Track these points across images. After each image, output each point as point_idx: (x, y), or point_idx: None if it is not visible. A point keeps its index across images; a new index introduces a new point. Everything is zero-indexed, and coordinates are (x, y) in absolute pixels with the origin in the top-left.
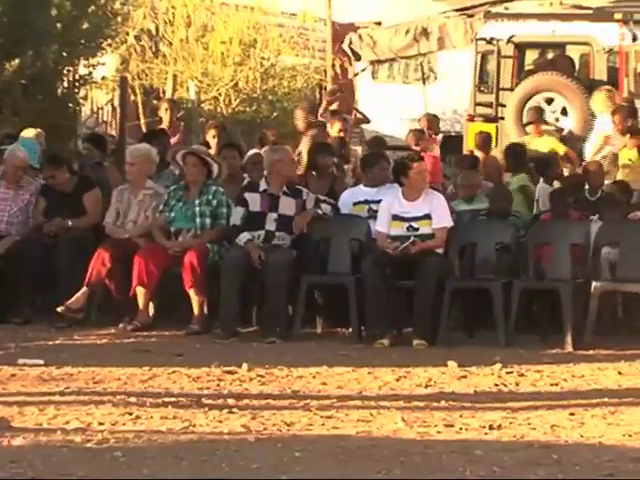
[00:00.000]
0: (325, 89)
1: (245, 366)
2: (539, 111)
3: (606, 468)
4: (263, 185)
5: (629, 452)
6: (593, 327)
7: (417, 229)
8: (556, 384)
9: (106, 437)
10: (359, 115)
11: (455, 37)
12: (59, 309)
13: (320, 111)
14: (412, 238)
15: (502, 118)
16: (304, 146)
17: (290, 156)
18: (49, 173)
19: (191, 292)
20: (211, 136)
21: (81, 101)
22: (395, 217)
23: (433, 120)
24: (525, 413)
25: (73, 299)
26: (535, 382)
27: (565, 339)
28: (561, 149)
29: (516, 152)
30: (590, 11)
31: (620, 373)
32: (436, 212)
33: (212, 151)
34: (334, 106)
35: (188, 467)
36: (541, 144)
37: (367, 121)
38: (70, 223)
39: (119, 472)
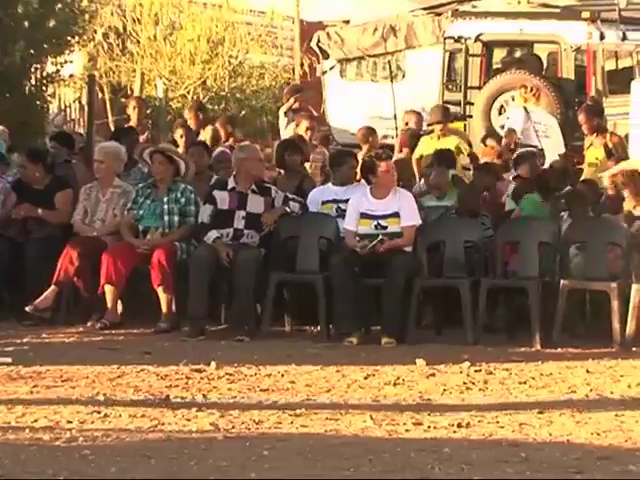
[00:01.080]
0: (286, 83)
1: (213, 364)
2: (444, 110)
3: (574, 466)
4: (231, 183)
5: (596, 450)
6: (561, 325)
7: (385, 227)
8: (524, 382)
9: (74, 435)
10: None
11: (423, 35)
12: (27, 308)
13: (284, 109)
14: (380, 237)
15: (470, 116)
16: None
17: (258, 154)
18: (24, 164)
19: (159, 290)
20: (179, 135)
21: (49, 99)
22: (363, 215)
23: (418, 117)
24: (493, 411)
25: (41, 298)
26: (503, 380)
27: (533, 337)
28: (466, 148)
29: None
30: (558, 10)
31: (588, 371)
32: (404, 210)
33: (180, 149)
34: (297, 104)
35: (157, 466)
36: (446, 144)
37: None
38: (40, 212)
39: (87, 471)
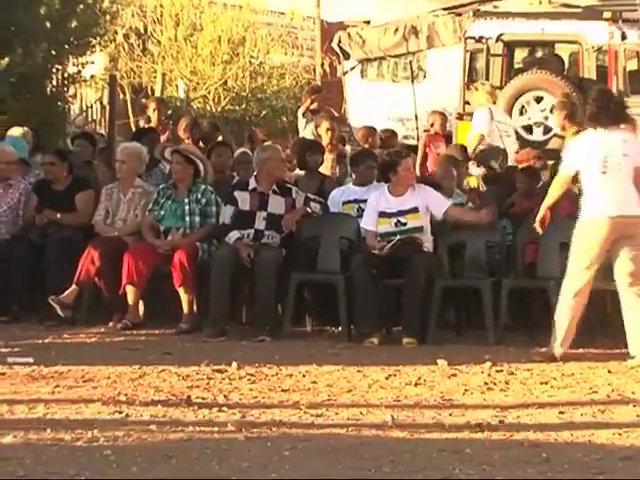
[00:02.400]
0: (307, 84)
1: (235, 365)
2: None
3: (596, 466)
4: (252, 184)
5: (618, 451)
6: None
7: (405, 224)
8: (546, 382)
9: (96, 436)
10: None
11: (444, 35)
12: (50, 299)
13: (302, 110)
14: (398, 236)
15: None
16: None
17: (279, 155)
18: (50, 160)
19: (181, 291)
20: (182, 130)
21: (70, 99)
22: (382, 214)
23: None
24: (515, 412)
25: (63, 296)
26: (525, 380)
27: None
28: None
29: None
30: (579, 9)
31: (610, 372)
32: (433, 201)
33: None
34: (314, 105)
35: (178, 466)
36: None
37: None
38: (59, 216)
39: (109, 470)
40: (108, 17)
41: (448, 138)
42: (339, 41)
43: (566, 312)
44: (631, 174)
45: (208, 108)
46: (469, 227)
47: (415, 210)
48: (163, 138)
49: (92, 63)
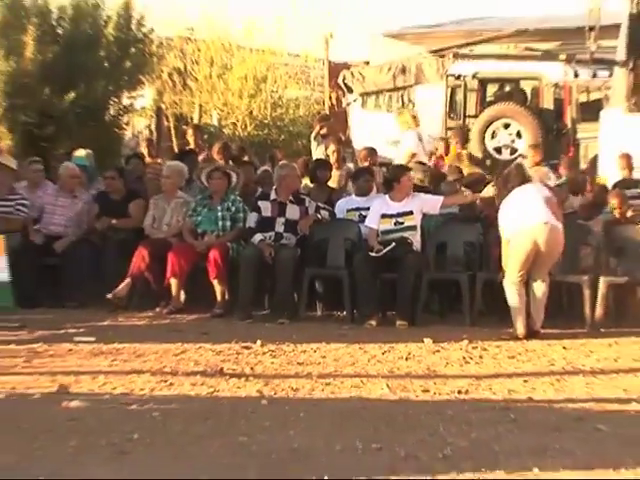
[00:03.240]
0: (317, 113)
1: (259, 342)
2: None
3: (553, 425)
4: (273, 195)
5: (571, 412)
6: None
7: (402, 223)
8: (512, 357)
9: (146, 400)
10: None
11: (429, 74)
12: (108, 295)
13: (313, 134)
14: (393, 244)
15: (468, 140)
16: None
17: (295, 171)
18: (114, 174)
19: (215, 282)
20: (216, 152)
21: (124, 127)
22: (384, 215)
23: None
24: (487, 381)
25: (118, 288)
26: (495, 355)
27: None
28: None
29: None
30: (540, 52)
31: (564, 348)
32: (428, 204)
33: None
34: (324, 130)
35: (212, 424)
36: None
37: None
38: (114, 222)
39: (157, 428)
40: (155, 59)
41: None
42: (343, 78)
43: (515, 302)
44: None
45: (237, 133)
46: (450, 230)
47: (410, 213)
48: (200, 158)
49: (142, 96)
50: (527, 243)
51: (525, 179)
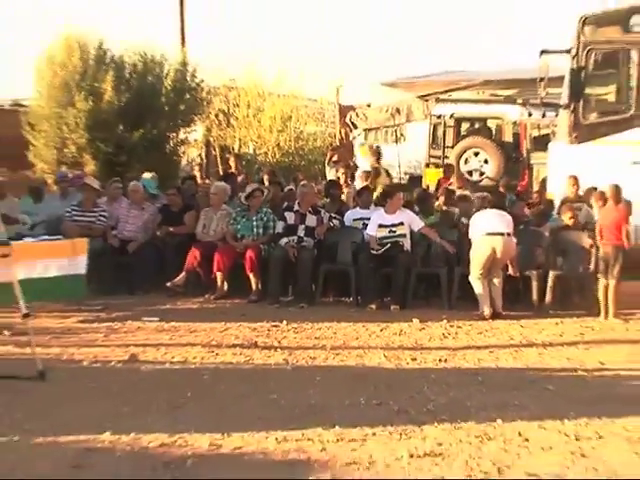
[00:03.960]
0: (330, 145)
1: (284, 322)
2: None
3: (513, 385)
4: (296, 207)
5: (527, 376)
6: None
7: (395, 231)
8: (480, 333)
9: (198, 367)
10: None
11: (417, 114)
12: (168, 284)
13: (327, 160)
14: (388, 244)
15: (450, 165)
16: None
17: (312, 189)
18: (173, 191)
19: (251, 275)
20: (266, 178)
21: (181, 155)
22: (381, 225)
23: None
24: (461, 352)
25: (176, 279)
26: (468, 332)
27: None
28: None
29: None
30: (502, 97)
31: (522, 326)
32: (412, 221)
33: (266, 183)
34: (335, 157)
35: (249, 385)
36: None
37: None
38: (171, 229)
39: (205, 388)
40: (205, 103)
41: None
42: (350, 117)
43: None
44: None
45: (267, 160)
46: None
47: (401, 223)
48: (240, 179)
49: (195, 132)
50: (487, 249)
51: (496, 205)
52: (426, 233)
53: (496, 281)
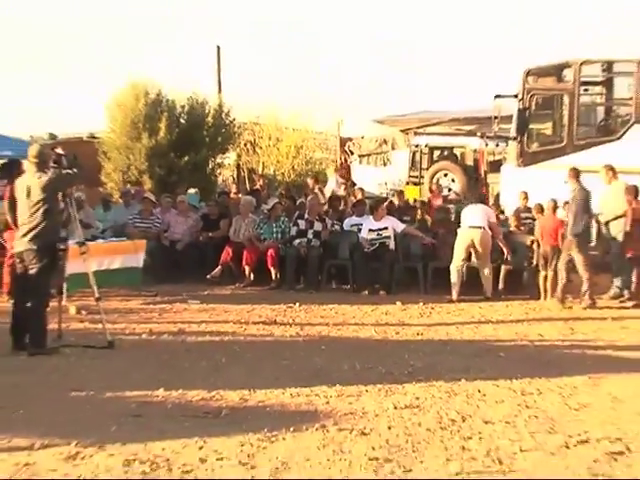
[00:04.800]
0: (335, 169)
1: (297, 304)
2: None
3: (475, 353)
4: (306, 216)
5: (485, 345)
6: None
7: (382, 234)
8: (448, 312)
9: (230, 339)
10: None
11: (400, 143)
12: (207, 276)
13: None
14: (377, 244)
15: (422, 184)
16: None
17: (319, 201)
18: (212, 203)
19: (271, 268)
20: (282, 193)
21: (217, 176)
22: (370, 230)
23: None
24: (434, 327)
25: (214, 272)
26: (439, 312)
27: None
28: None
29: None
30: (465, 131)
31: (480, 307)
32: (396, 225)
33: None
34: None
35: (268, 353)
36: None
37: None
38: (210, 234)
39: (236, 355)
40: (236, 135)
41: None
42: (348, 146)
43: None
44: None
45: (284, 180)
46: (412, 237)
47: (386, 228)
48: (263, 194)
49: (228, 157)
50: (467, 239)
51: (479, 200)
52: (409, 232)
53: (486, 271)
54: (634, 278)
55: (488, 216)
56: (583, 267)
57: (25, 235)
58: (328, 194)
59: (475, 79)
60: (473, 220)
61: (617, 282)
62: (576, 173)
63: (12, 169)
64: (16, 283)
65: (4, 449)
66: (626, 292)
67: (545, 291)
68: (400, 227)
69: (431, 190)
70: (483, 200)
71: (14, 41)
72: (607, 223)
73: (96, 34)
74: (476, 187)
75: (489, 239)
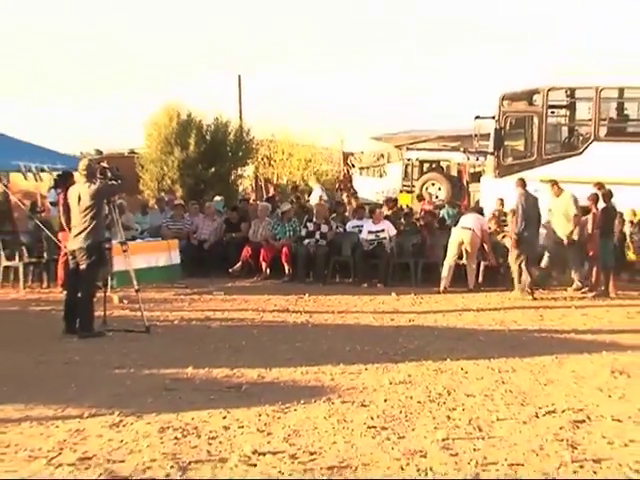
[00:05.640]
0: (337, 179)
1: (307, 295)
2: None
3: (457, 337)
4: (314, 219)
5: (467, 331)
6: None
7: (379, 235)
8: (437, 302)
9: (249, 324)
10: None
11: (394, 158)
12: (230, 270)
13: (337, 186)
14: (375, 243)
15: (413, 192)
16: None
17: (325, 207)
18: (232, 209)
19: (285, 264)
20: (295, 197)
21: (239, 185)
22: (369, 231)
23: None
24: (424, 314)
25: (235, 267)
26: (428, 301)
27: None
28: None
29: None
30: (450, 147)
31: (463, 297)
32: (390, 229)
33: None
34: (341, 186)
35: (282, 337)
36: None
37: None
38: (234, 235)
39: (255, 338)
40: (255, 150)
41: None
42: (350, 160)
43: (444, 273)
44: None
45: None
46: (405, 237)
47: (383, 230)
48: (277, 198)
49: (247, 169)
50: (458, 238)
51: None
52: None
53: (472, 266)
54: (589, 272)
55: (481, 223)
56: (516, 262)
57: (77, 236)
58: (314, 201)
59: (458, 103)
60: (465, 222)
61: (576, 277)
62: (522, 182)
63: (65, 180)
64: (69, 276)
65: (59, 417)
66: (584, 283)
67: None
68: (393, 231)
69: (421, 197)
70: (480, 211)
71: (74, 72)
72: (557, 227)
73: (133, 65)
74: (460, 195)
75: (477, 241)
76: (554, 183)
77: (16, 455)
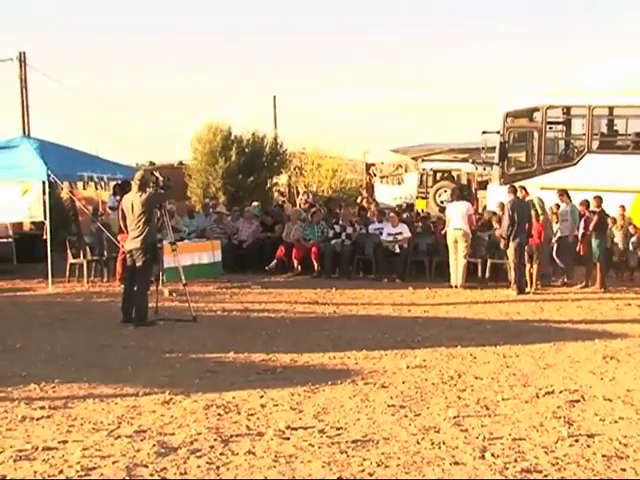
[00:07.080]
0: (361, 187)
1: (334, 289)
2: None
3: (465, 327)
4: (340, 222)
5: (474, 321)
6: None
7: (397, 237)
8: (449, 295)
9: (283, 315)
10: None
11: (411, 168)
12: (266, 268)
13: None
14: (394, 244)
15: (428, 198)
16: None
17: (350, 211)
18: (266, 213)
19: (314, 262)
20: (323, 203)
21: (274, 192)
22: (389, 234)
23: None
24: (437, 306)
25: (271, 264)
26: (441, 295)
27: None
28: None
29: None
30: (460, 158)
31: (472, 292)
32: (405, 231)
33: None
34: (364, 193)
35: (312, 325)
36: None
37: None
38: (268, 234)
39: (287, 326)
40: (288, 161)
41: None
42: (372, 170)
43: (452, 269)
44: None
45: (325, 195)
46: (420, 238)
47: (401, 232)
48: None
49: (281, 178)
50: (452, 238)
51: (460, 197)
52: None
53: (460, 264)
54: (587, 271)
55: (467, 209)
56: (511, 260)
57: (134, 238)
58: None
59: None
60: (455, 222)
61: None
62: (513, 189)
63: (123, 188)
64: (126, 272)
65: (118, 395)
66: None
67: (531, 281)
68: (408, 234)
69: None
70: (462, 197)
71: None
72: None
73: (179, 88)
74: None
75: (468, 238)
76: (562, 193)
77: (82, 427)
